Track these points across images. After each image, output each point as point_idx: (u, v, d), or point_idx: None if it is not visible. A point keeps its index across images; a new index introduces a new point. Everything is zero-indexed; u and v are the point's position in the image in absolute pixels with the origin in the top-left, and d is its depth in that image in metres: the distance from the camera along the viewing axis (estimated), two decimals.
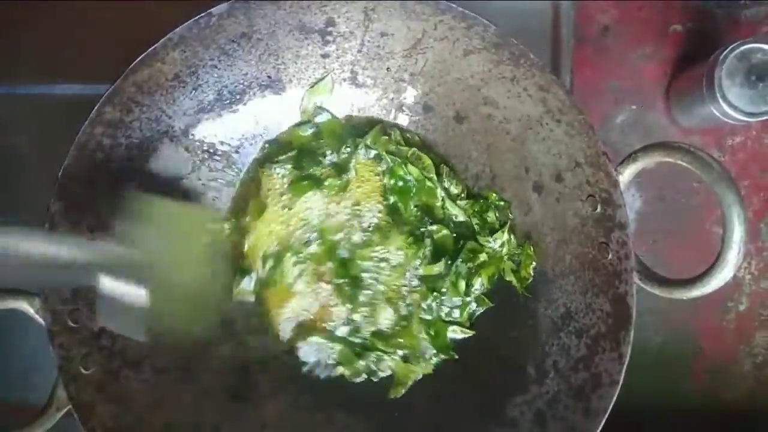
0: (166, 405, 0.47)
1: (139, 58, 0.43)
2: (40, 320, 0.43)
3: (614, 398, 0.43)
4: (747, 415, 0.59)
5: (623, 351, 0.42)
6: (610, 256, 0.43)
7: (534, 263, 0.48)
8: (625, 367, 0.42)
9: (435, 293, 0.49)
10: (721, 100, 0.50)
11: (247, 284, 0.50)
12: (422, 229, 0.50)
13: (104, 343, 0.45)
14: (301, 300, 0.50)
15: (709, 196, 0.59)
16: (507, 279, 0.49)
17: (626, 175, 0.42)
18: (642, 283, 0.42)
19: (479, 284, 0.49)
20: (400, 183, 0.50)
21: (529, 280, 0.48)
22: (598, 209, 0.44)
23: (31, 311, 0.43)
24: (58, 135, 0.44)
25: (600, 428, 0.43)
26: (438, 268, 0.49)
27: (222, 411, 0.49)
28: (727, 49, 0.50)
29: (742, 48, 0.50)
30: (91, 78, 0.54)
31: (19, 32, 0.59)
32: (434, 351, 0.50)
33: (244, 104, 0.49)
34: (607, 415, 0.43)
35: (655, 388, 0.59)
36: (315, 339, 0.50)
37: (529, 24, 0.55)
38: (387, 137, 0.50)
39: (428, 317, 0.50)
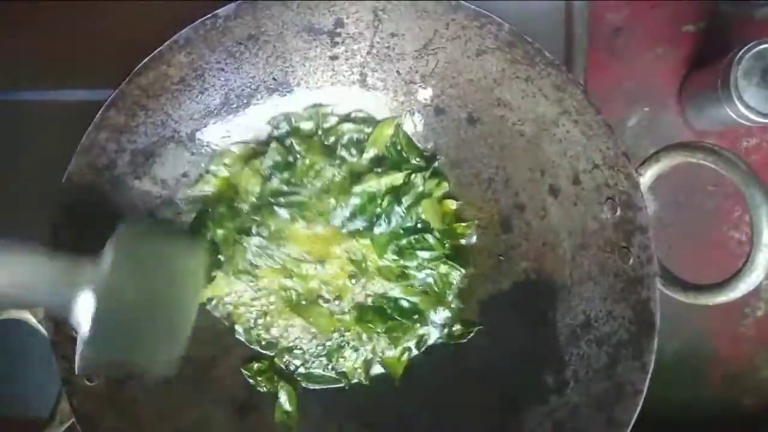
0: (172, 417, 0.46)
1: (144, 61, 0.42)
2: (43, 331, 0.42)
3: (638, 409, 0.41)
4: (765, 422, 0.58)
5: (647, 360, 0.41)
6: (631, 260, 0.42)
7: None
8: (649, 376, 0.41)
9: None
10: (737, 101, 0.49)
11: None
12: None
13: None
14: None
15: (725, 200, 0.58)
16: None
17: (647, 176, 0.41)
18: (665, 289, 0.41)
19: None
20: None
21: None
22: (618, 212, 0.42)
23: (33, 321, 0.42)
24: (62, 141, 0.43)
25: None
26: None
27: (229, 423, 0.48)
28: (743, 49, 0.49)
29: (759, 48, 0.49)
30: (95, 83, 0.53)
31: (20, 36, 0.58)
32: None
33: (251, 108, 0.47)
34: (630, 427, 0.41)
35: (671, 395, 0.57)
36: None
37: (542, 25, 0.54)
38: None
39: None
